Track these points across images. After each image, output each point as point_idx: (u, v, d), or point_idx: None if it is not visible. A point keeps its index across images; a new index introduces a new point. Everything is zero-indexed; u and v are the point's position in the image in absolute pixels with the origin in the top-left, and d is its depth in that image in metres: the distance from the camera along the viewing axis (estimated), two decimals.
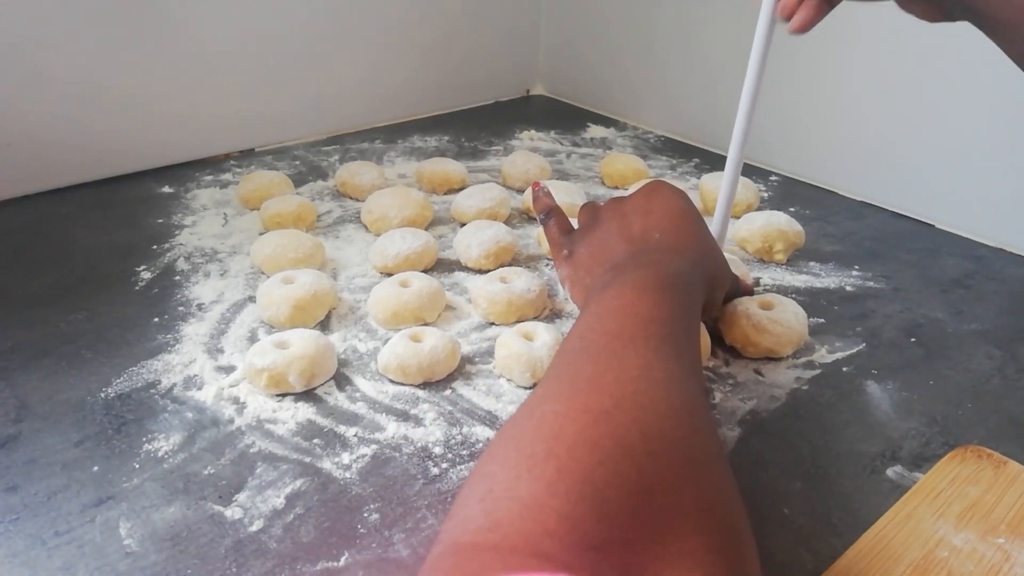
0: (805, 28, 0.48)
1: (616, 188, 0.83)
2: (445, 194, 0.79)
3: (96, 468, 0.43)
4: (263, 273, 0.62)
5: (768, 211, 0.70)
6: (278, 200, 0.70)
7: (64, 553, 0.38)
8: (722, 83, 0.90)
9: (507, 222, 0.72)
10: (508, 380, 0.51)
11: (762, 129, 0.88)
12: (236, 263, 0.64)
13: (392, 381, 0.51)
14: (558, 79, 1.14)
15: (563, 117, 1.05)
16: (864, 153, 0.80)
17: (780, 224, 0.67)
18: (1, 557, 0.37)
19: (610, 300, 0.40)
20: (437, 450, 0.45)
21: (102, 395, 0.48)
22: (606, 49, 1.04)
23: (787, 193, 0.82)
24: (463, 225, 0.69)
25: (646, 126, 1.01)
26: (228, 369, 0.51)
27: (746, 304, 0.55)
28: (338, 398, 0.49)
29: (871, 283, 0.65)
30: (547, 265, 0.66)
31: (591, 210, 0.54)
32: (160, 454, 0.44)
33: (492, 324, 0.57)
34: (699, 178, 0.81)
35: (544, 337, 0.51)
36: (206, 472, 0.43)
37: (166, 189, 0.78)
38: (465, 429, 0.47)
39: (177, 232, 0.69)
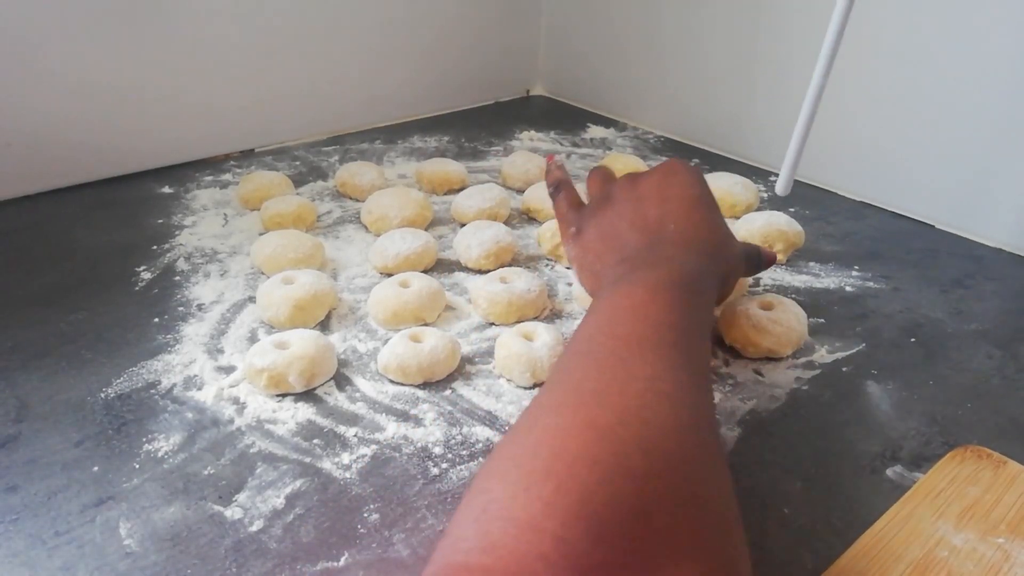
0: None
1: None
2: (445, 194, 0.79)
3: (96, 468, 0.43)
4: (263, 273, 0.62)
5: (768, 211, 0.70)
6: (278, 200, 0.70)
7: (64, 553, 0.38)
8: (722, 84, 0.90)
9: (507, 222, 0.72)
10: (508, 380, 0.51)
11: (762, 129, 0.88)
12: (236, 263, 0.64)
13: (392, 381, 0.51)
14: (558, 79, 1.14)
15: (563, 117, 1.05)
16: (864, 153, 0.80)
17: (780, 224, 0.67)
18: (1, 557, 0.37)
19: (621, 299, 0.39)
20: (437, 450, 0.45)
21: (102, 395, 0.48)
22: (606, 49, 1.04)
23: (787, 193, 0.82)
24: (463, 225, 0.69)
25: (646, 126, 1.01)
26: (228, 369, 0.51)
27: (746, 304, 0.55)
28: (338, 398, 0.49)
29: (871, 283, 0.65)
30: (547, 265, 0.66)
31: (601, 183, 0.52)
32: (160, 454, 0.44)
33: (492, 324, 0.57)
34: None
35: (544, 337, 0.51)
36: (206, 472, 0.43)
37: (166, 189, 0.78)
38: (465, 429, 0.47)
39: (177, 232, 0.69)
